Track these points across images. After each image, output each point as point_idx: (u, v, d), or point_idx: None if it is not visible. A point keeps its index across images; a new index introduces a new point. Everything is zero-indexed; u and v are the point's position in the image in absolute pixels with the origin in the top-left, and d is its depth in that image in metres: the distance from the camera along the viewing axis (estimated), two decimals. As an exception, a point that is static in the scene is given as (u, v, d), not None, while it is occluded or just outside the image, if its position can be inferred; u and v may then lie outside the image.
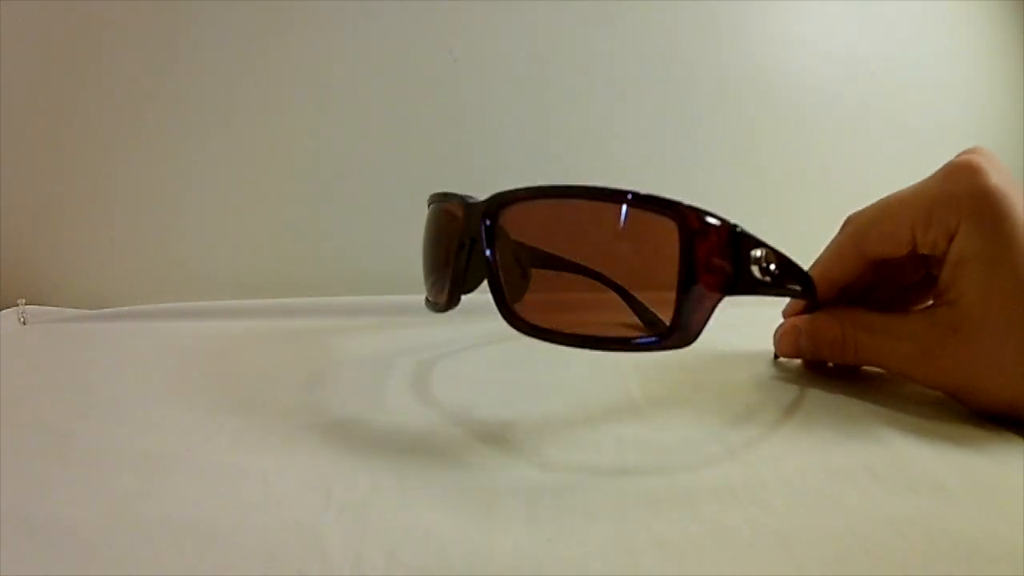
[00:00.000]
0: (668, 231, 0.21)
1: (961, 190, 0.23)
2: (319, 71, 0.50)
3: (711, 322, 0.40)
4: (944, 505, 0.18)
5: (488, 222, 0.25)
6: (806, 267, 0.27)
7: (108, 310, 0.45)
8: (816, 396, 0.27)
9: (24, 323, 0.44)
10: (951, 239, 0.23)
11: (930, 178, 0.24)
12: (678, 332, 0.21)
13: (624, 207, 0.23)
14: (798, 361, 0.31)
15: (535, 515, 0.19)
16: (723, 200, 0.53)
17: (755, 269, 0.22)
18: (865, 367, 0.30)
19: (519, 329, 0.24)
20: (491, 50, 0.50)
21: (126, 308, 0.45)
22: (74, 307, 0.47)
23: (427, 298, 0.33)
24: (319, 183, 0.51)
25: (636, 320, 0.26)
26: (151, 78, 0.49)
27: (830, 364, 0.30)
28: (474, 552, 0.17)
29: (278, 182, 0.51)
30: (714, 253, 0.21)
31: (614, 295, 0.27)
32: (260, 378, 0.31)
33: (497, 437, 0.24)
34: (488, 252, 0.24)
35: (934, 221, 0.23)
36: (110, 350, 0.38)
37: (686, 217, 0.21)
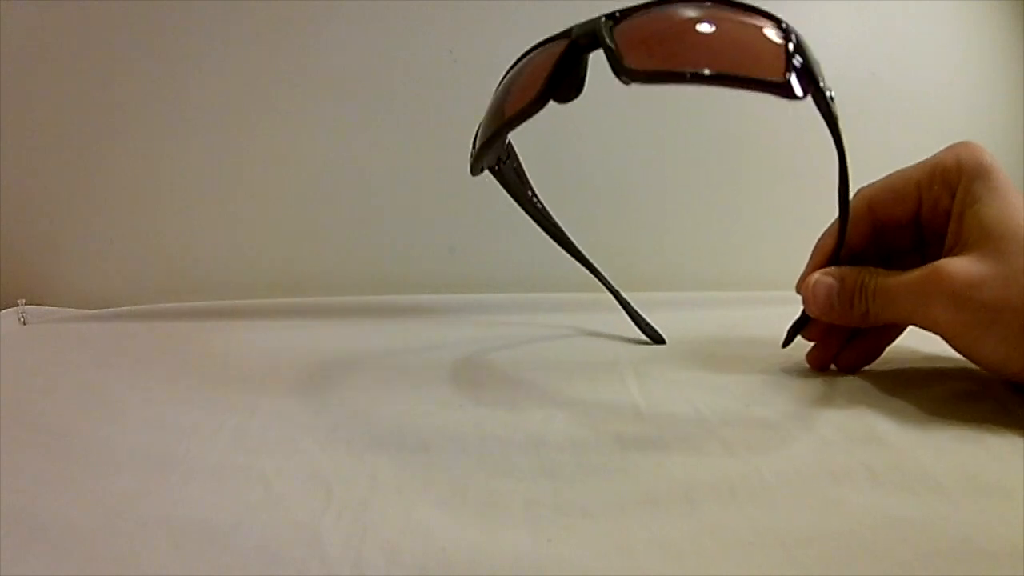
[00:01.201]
0: (774, 36, 0.24)
1: (961, 153, 0.26)
2: (319, 71, 0.50)
3: (711, 325, 0.40)
4: (944, 505, 0.18)
5: (610, 23, 0.25)
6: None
7: (108, 310, 0.45)
8: (816, 397, 0.27)
9: (24, 323, 0.44)
10: (952, 195, 0.26)
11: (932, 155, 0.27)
12: (786, 86, 0.23)
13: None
14: (800, 361, 0.31)
15: (535, 515, 0.19)
16: (723, 198, 0.53)
17: (828, 94, 0.24)
18: (863, 369, 0.30)
19: (650, 78, 0.24)
20: (491, 50, 0.49)
21: (126, 308, 0.45)
22: (74, 307, 0.47)
23: (479, 140, 0.30)
24: (319, 183, 0.51)
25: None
26: (151, 78, 0.49)
27: (833, 365, 0.30)
28: (474, 552, 0.17)
29: (278, 182, 0.51)
30: (806, 57, 0.23)
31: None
32: (260, 378, 0.31)
33: (497, 437, 0.24)
34: (612, 31, 0.24)
35: (937, 179, 0.26)
36: (110, 350, 0.38)
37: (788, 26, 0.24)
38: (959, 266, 0.24)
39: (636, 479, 0.21)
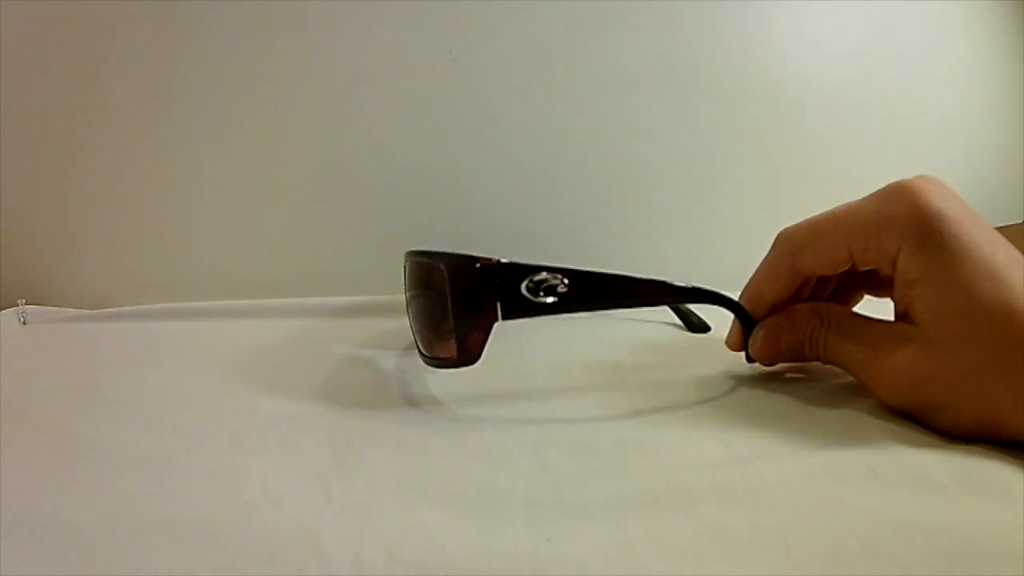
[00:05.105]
0: None
1: (899, 212, 0.22)
2: (319, 72, 0.50)
3: (713, 324, 0.40)
4: (944, 505, 0.18)
5: None
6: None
7: (108, 310, 0.45)
8: (816, 397, 0.27)
9: (24, 323, 0.44)
10: (894, 263, 0.23)
11: (868, 198, 0.24)
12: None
13: None
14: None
15: (535, 515, 0.19)
16: (723, 199, 0.53)
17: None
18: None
19: None
20: (491, 50, 0.50)
21: (126, 308, 0.45)
22: (74, 307, 0.47)
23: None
24: (319, 183, 0.51)
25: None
26: (151, 78, 0.49)
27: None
28: (474, 552, 0.17)
29: (278, 182, 0.51)
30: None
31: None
32: (260, 378, 0.31)
33: (497, 437, 0.24)
34: None
35: (871, 245, 0.23)
36: (110, 350, 0.38)
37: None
38: (904, 361, 0.23)
39: (636, 479, 0.21)
